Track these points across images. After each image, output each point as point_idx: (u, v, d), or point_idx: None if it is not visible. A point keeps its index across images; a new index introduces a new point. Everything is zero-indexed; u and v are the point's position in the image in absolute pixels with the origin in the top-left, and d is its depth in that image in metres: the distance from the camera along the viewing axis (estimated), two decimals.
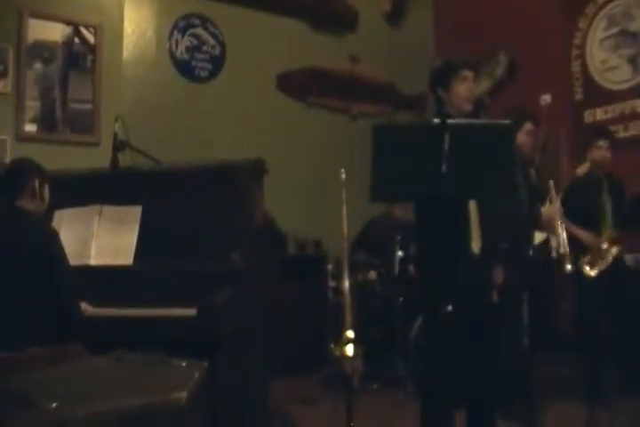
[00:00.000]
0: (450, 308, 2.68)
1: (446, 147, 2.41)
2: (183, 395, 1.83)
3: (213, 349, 2.76)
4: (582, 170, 4.42)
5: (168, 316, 2.80)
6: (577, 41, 5.66)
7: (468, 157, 2.44)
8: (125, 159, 3.46)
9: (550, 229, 3.77)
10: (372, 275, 4.82)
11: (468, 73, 2.89)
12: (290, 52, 5.89)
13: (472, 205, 2.85)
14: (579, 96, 5.58)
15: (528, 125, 3.82)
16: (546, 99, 3.87)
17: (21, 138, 4.38)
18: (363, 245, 5.27)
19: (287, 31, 5.92)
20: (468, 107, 2.87)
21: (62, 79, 4.57)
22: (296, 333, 4.84)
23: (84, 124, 4.60)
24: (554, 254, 3.87)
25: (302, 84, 6.04)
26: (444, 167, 2.42)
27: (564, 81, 5.61)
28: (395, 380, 4.35)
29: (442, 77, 2.92)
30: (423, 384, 3.01)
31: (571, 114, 5.53)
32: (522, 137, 3.78)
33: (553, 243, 3.90)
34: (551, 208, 3.69)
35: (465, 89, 2.87)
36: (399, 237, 4.54)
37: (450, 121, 2.47)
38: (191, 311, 2.78)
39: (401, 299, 4.49)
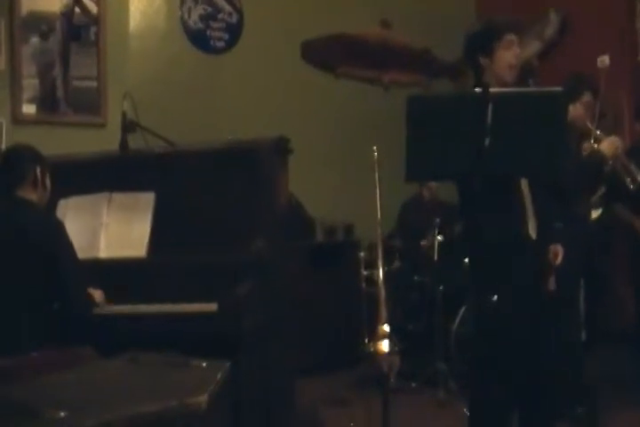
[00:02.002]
0: (495, 297, 2.66)
1: (489, 119, 2.38)
2: (203, 399, 1.82)
3: (236, 347, 2.77)
4: None
5: (186, 312, 2.81)
6: None
7: (513, 131, 2.41)
8: (135, 141, 3.46)
9: (617, 161, 3.72)
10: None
11: (513, 37, 2.84)
12: (315, 18, 5.81)
13: (524, 182, 2.81)
14: None
15: (587, 96, 3.75)
16: (604, 60, 3.79)
17: (19, 120, 4.38)
18: (399, 231, 5.26)
19: None
20: (511, 76, 2.82)
21: (63, 54, 4.55)
22: (326, 327, 4.87)
23: (88, 104, 4.60)
24: (631, 186, 3.83)
25: (329, 53, 5.93)
26: (486, 142, 2.38)
27: (625, 39, 5.50)
28: (435, 377, 4.33)
29: (483, 43, 2.88)
30: (471, 383, 2.99)
31: (633, 76, 5.43)
32: (578, 109, 3.72)
33: (626, 179, 3.86)
34: (611, 139, 3.62)
35: (510, 55, 2.82)
36: (437, 220, 4.50)
37: (493, 90, 2.44)
38: (211, 306, 2.79)
39: (441, 288, 4.46)
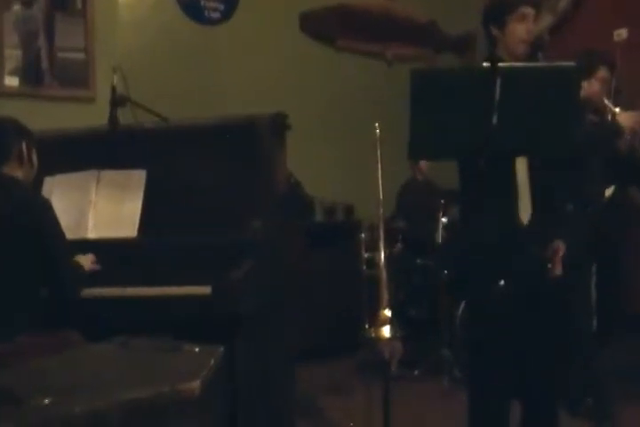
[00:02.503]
0: (502, 282, 2.66)
1: (497, 95, 2.37)
2: (196, 385, 1.83)
3: (231, 331, 2.77)
4: None
5: (179, 295, 2.80)
6: None
7: (523, 107, 2.41)
8: (126, 116, 3.43)
9: (636, 136, 3.70)
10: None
11: (528, 10, 2.81)
12: None
13: (520, 166, 2.79)
14: None
15: (602, 72, 3.73)
16: (621, 34, 3.75)
17: (1, 93, 4.34)
18: (401, 211, 5.26)
19: None
20: (522, 50, 2.80)
21: (47, 24, 4.48)
22: (325, 312, 4.88)
23: (75, 77, 4.56)
24: None
25: (329, 25, 5.93)
26: (494, 119, 2.38)
27: None
28: (439, 365, 4.36)
29: (496, 14, 2.85)
30: (471, 370, 3.01)
31: None
32: (594, 85, 3.70)
33: None
34: (630, 113, 3.60)
35: (522, 29, 2.80)
36: (442, 201, 4.50)
37: (502, 64, 2.42)
38: (205, 289, 2.79)
39: (446, 272, 4.46)
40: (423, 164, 5.23)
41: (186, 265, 2.88)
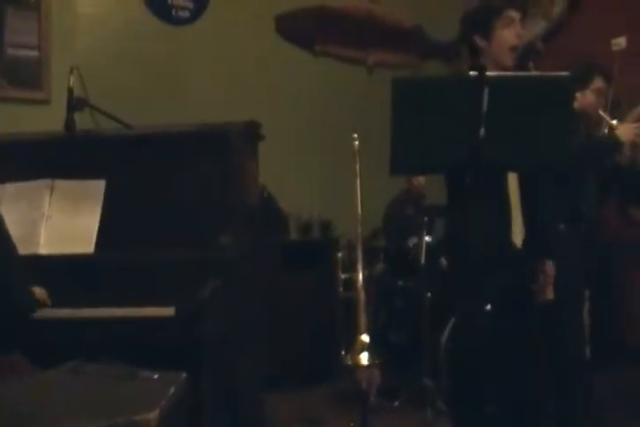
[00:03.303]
0: (488, 307, 2.68)
1: (485, 106, 2.38)
2: (154, 415, 1.81)
3: (196, 356, 2.74)
4: None
5: (139, 317, 2.77)
6: None
7: (512, 119, 2.42)
8: (84, 121, 3.42)
9: (637, 150, 3.71)
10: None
11: (514, 13, 2.85)
12: None
13: (512, 181, 2.82)
14: None
15: (598, 82, 3.77)
16: (619, 43, 3.80)
17: None
18: (384, 230, 5.28)
19: None
20: (512, 59, 2.83)
21: None
22: (299, 336, 4.86)
23: (28, 77, 4.53)
24: None
25: (308, 28, 5.96)
26: (482, 131, 2.39)
27: None
28: (421, 395, 4.34)
29: (480, 20, 2.88)
30: (455, 401, 3.01)
31: None
32: (589, 96, 3.73)
33: None
34: (629, 125, 3.63)
35: (511, 35, 2.83)
36: (426, 219, 4.50)
37: (490, 73, 2.44)
38: (168, 311, 2.77)
39: (429, 294, 4.46)
40: (421, 177, 5.23)
41: (147, 284, 2.86)
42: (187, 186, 3.16)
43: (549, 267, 2.92)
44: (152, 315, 2.76)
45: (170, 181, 3.17)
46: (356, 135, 3.45)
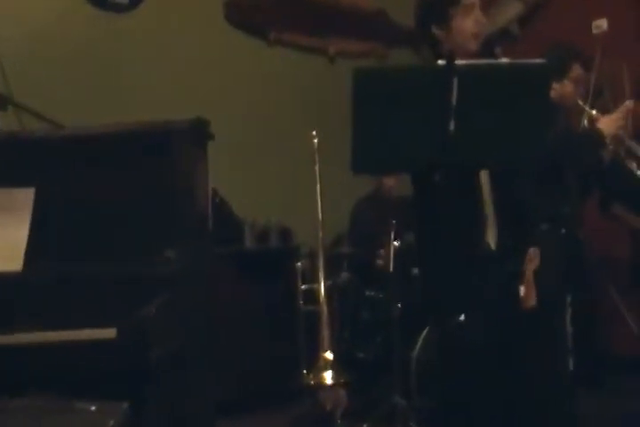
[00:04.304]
0: (462, 317, 2.73)
1: (455, 98, 2.40)
2: None
3: (139, 383, 2.72)
4: None
5: (75, 340, 2.73)
6: None
7: (485, 112, 2.44)
8: (8, 122, 3.39)
9: (620, 144, 3.79)
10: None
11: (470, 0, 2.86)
12: None
13: (484, 180, 2.84)
14: None
15: (576, 70, 3.82)
16: (600, 25, 3.84)
17: None
18: (350, 236, 5.27)
19: None
20: (474, 46, 2.85)
21: None
22: (256, 355, 4.85)
23: None
24: (638, 173, 3.91)
25: (260, 15, 5.96)
26: (452, 125, 2.41)
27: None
28: (391, 416, 4.33)
29: (435, 9, 2.90)
30: (431, 421, 3.02)
31: (637, 45, 5.53)
32: (567, 86, 3.79)
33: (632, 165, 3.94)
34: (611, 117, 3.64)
35: (470, 23, 2.85)
36: (394, 222, 4.51)
37: (460, 62, 2.45)
38: (109, 332, 2.73)
39: (399, 305, 4.46)
40: (394, 177, 5.22)
41: (84, 304, 2.84)
42: (126, 193, 3.13)
43: (534, 252, 2.92)
44: (90, 338, 2.72)
45: (107, 188, 3.14)
46: (314, 133, 3.46)
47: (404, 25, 6.47)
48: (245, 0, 5.92)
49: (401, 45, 6.57)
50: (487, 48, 2.89)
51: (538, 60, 2.54)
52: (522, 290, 2.87)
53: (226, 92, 5.56)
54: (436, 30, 2.89)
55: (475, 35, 2.84)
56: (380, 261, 4.77)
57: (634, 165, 3.95)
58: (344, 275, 4.94)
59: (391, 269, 4.54)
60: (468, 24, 2.84)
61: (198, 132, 3.29)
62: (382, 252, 4.75)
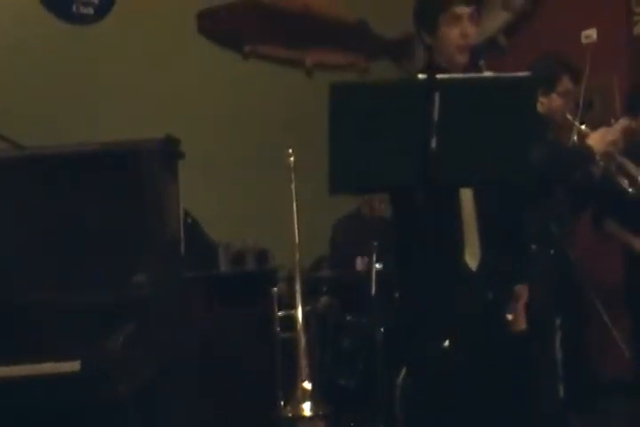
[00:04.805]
0: (447, 343, 2.72)
1: (436, 113, 2.40)
2: None
3: (105, 419, 2.70)
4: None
5: (36, 375, 2.70)
6: None
7: (468, 128, 2.44)
8: None
9: (610, 160, 3.79)
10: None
11: (462, 9, 2.87)
12: None
13: (465, 198, 2.85)
14: None
15: (565, 83, 3.84)
16: (589, 35, 3.87)
17: None
18: (330, 258, 5.25)
19: None
20: (461, 58, 2.86)
21: None
22: (231, 385, 4.80)
23: None
24: (630, 190, 3.93)
25: (235, 27, 5.97)
26: (433, 143, 2.41)
27: (617, 7, 5.59)
28: None
29: (425, 17, 2.92)
30: None
31: (627, 55, 5.53)
32: (555, 99, 3.82)
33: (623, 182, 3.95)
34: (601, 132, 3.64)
35: (456, 34, 2.86)
36: (375, 244, 4.49)
37: (441, 76, 2.45)
38: (72, 366, 2.71)
39: (382, 330, 4.45)
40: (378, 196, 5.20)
41: (46, 335, 2.81)
42: (92, 216, 3.11)
43: (523, 291, 2.94)
44: (52, 372, 2.70)
45: (72, 212, 3.11)
46: (290, 150, 3.44)
47: (385, 36, 6.51)
48: (219, 11, 5.90)
49: (382, 57, 6.58)
50: (472, 60, 2.89)
51: (523, 74, 2.56)
52: (509, 315, 2.88)
53: (198, 107, 5.55)
54: (426, 38, 2.92)
55: (459, 47, 2.84)
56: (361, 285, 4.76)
57: (625, 182, 3.96)
58: (324, 299, 4.91)
59: (373, 292, 4.53)
60: (454, 35, 2.85)
61: (168, 152, 3.29)
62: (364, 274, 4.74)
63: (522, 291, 2.93)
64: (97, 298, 2.87)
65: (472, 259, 2.82)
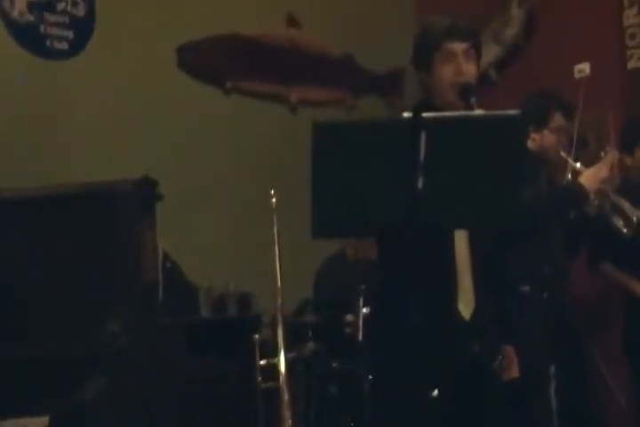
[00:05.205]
0: (436, 392, 2.69)
1: (423, 153, 2.39)
2: None
3: None
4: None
5: None
6: None
7: (456, 169, 2.44)
8: None
9: (605, 199, 3.81)
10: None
11: (456, 46, 2.90)
12: (197, 12, 5.84)
13: (459, 240, 2.84)
14: (635, 63, 5.54)
15: (557, 119, 3.86)
16: (583, 69, 3.90)
17: None
18: (315, 302, 5.23)
19: None
20: (454, 95, 2.87)
21: None
22: None
23: None
24: (624, 230, 3.93)
25: (217, 61, 5.98)
26: (420, 183, 2.40)
27: (611, 41, 5.60)
28: None
29: (421, 55, 2.96)
30: None
31: (621, 90, 5.54)
32: (548, 136, 3.85)
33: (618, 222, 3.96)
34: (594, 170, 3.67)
35: (450, 70, 2.88)
36: (362, 287, 4.48)
37: (427, 115, 2.44)
38: (40, 422, 2.73)
39: (370, 377, 4.42)
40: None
41: (14, 389, 2.78)
42: (63, 260, 3.11)
43: (510, 353, 2.93)
44: None
45: (42, 255, 3.11)
46: (273, 191, 3.44)
47: (373, 71, 6.53)
48: (200, 45, 5.90)
49: (370, 93, 6.60)
50: (463, 97, 2.90)
51: (512, 112, 2.54)
52: (500, 364, 2.87)
53: (178, 145, 5.52)
54: (421, 75, 2.96)
55: (453, 84, 2.86)
56: (348, 330, 4.73)
57: (620, 222, 3.96)
58: (309, 345, 4.87)
59: (360, 337, 4.51)
60: (448, 72, 2.88)
61: (145, 193, 3.29)
62: (350, 319, 4.71)
63: (509, 354, 2.92)
64: (67, 351, 2.85)
65: (466, 307, 2.81)
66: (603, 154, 3.84)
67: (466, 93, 2.83)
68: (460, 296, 2.81)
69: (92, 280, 3.07)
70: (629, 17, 5.55)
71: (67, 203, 3.22)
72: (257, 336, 4.19)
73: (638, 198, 4.02)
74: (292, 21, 6.22)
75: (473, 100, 2.84)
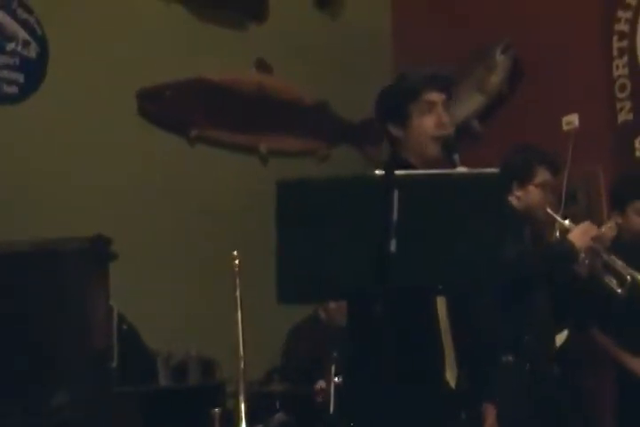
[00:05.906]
0: None
1: (395, 213, 2.40)
2: None
3: None
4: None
5: None
6: (621, 27, 5.66)
7: (431, 229, 2.45)
8: None
9: (596, 257, 3.82)
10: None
11: (435, 96, 2.92)
12: (159, 55, 5.86)
13: (441, 307, 2.84)
14: (625, 116, 5.62)
15: (543, 174, 3.88)
16: (571, 121, 3.95)
17: None
18: (284, 369, 5.21)
19: (156, 19, 5.91)
20: (436, 150, 2.88)
21: None
22: None
23: None
24: (619, 290, 3.93)
25: (180, 107, 6.00)
26: (392, 245, 2.40)
27: (600, 93, 5.69)
28: None
29: (393, 106, 2.96)
30: None
31: (612, 144, 5.60)
32: (533, 192, 3.84)
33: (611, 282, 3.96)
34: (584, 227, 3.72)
35: (430, 123, 2.90)
36: (335, 354, 4.47)
37: (399, 172, 2.45)
38: None
39: None
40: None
41: None
42: (7, 324, 3.08)
43: (490, 412, 2.95)
44: None
45: None
46: (235, 253, 3.45)
47: (347, 119, 6.58)
48: (163, 90, 5.92)
49: (344, 143, 6.64)
50: (446, 152, 2.90)
51: (491, 170, 2.55)
52: None
53: (135, 201, 5.48)
54: (393, 129, 2.94)
55: (434, 138, 2.87)
56: (319, 399, 4.71)
57: (614, 282, 3.97)
58: (278, 416, 4.85)
59: (332, 408, 4.48)
60: (428, 124, 2.88)
61: (96, 252, 3.28)
62: (322, 385, 4.69)
63: (489, 410, 2.94)
64: (11, 424, 2.82)
65: (451, 376, 2.81)
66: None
67: (450, 148, 2.83)
68: (446, 366, 2.81)
69: (36, 349, 3.04)
70: (619, 67, 5.61)
71: (10, 260, 3.20)
72: (216, 410, 4.13)
73: (631, 258, 4.04)
74: (262, 65, 6.26)
75: (456, 156, 2.84)
